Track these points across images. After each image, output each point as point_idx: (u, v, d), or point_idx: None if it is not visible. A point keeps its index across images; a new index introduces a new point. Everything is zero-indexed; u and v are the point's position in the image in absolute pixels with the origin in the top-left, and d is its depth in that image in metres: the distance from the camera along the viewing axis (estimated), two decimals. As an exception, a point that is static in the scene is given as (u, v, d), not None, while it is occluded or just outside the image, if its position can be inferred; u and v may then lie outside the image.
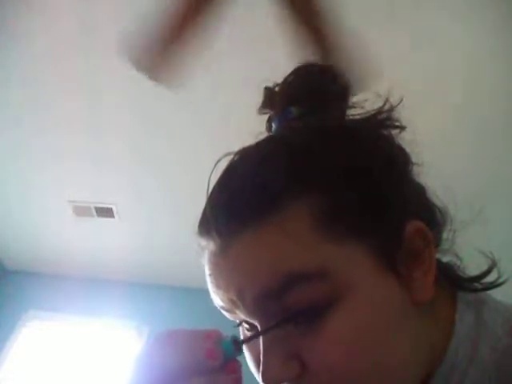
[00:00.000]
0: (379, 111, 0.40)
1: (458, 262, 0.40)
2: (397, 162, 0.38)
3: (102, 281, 2.98)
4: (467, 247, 0.42)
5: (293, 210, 0.32)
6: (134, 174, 2.33)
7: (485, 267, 0.39)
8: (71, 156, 2.26)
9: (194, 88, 1.87)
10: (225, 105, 1.93)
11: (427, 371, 0.34)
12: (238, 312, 0.34)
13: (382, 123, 0.40)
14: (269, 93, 0.45)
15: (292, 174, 0.34)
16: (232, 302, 0.34)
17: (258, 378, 0.34)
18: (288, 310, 0.31)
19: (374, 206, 0.34)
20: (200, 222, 0.38)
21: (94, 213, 2.57)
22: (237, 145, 0.41)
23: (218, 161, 0.40)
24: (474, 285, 0.39)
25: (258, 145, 0.39)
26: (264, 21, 1.36)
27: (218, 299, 0.36)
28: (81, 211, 2.57)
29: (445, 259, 0.40)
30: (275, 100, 0.43)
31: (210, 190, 0.38)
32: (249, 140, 0.42)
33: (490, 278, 0.39)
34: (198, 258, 0.40)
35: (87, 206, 2.54)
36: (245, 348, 0.37)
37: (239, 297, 0.33)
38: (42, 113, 2.06)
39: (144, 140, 2.14)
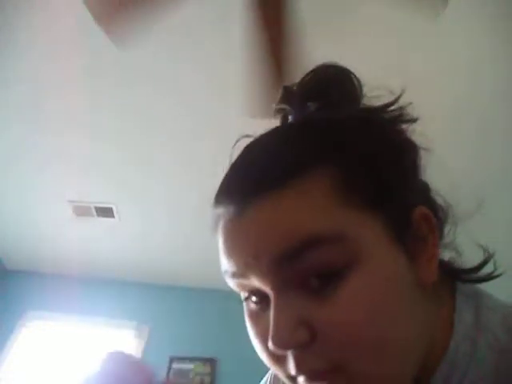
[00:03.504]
0: (391, 103, 0.42)
1: (458, 256, 0.41)
2: (410, 150, 0.40)
3: (102, 281, 2.98)
4: (467, 240, 0.43)
5: (314, 177, 0.34)
6: (134, 174, 2.33)
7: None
8: (71, 156, 2.26)
9: (193, 89, 1.87)
10: (223, 106, 1.93)
11: (426, 365, 0.35)
12: (251, 277, 0.34)
13: (394, 115, 0.42)
14: (286, 90, 0.46)
15: (316, 145, 0.36)
16: (246, 265, 0.34)
17: (263, 349, 0.35)
18: (302, 273, 0.32)
19: (390, 182, 0.36)
20: (219, 190, 0.39)
21: (94, 213, 2.57)
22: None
23: (238, 140, 0.42)
24: (472, 276, 0.40)
25: (281, 126, 0.42)
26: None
27: (231, 264, 0.36)
28: (81, 211, 2.58)
29: (445, 254, 0.41)
30: (293, 96, 0.45)
31: (233, 160, 0.40)
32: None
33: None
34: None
35: (87, 205, 2.54)
36: (250, 323, 0.37)
37: (255, 258, 0.33)
38: (43, 113, 2.06)
39: (144, 140, 2.14)
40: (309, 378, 0.32)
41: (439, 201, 0.41)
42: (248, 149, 0.40)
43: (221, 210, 0.37)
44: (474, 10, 1.51)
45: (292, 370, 0.33)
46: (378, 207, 0.34)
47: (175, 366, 2.61)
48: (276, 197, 0.33)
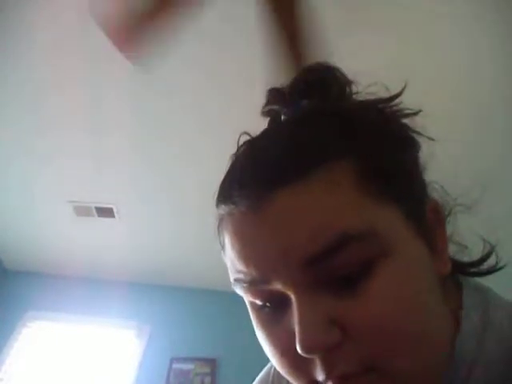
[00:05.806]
0: (390, 98, 0.41)
1: (460, 249, 0.41)
2: (415, 144, 0.40)
3: (102, 281, 2.98)
4: (467, 233, 0.43)
5: (339, 169, 0.32)
6: (135, 174, 2.33)
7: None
8: (72, 156, 2.26)
9: (194, 89, 1.87)
10: (225, 104, 1.93)
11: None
12: (273, 280, 0.31)
13: (395, 110, 0.41)
14: (274, 91, 0.44)
15: (341, 134, 0.34)
16: (269, 268, 0.31)
17: (283, 354, 0.32)
18: (330, 271, 0.30)
19: (408, 175, 0.36)
20: (225, 186, 0.35)
21: (94, 213, 2.57)
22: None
23: (240, 135, 0.41)
24: (475, 269, 0.40)
25: (287, 121, 0.40)
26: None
27: (250, 270, 0.32)
28: (81, 211, 2.58)
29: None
30: (284, 96, 0.43)
31: (240, 154, 0.38)
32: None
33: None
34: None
35: (87, 205, 2.54)
36: (265, 330, 0.34)
37: (282, 259, 0.30)
38: (43, 112, 2.06)
39: (144, 140, 2.14)
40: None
41: (436, 195, 0.41)
42: (256, 141, 0.38)
43: (229, 208, 0.33)
44: (474, 10, 1.51)
45: (320, 376, 0.30)
46: (398, 200, 0.33)
47: (175, 366, 2.61)
48: (302, 189, 0.30)
